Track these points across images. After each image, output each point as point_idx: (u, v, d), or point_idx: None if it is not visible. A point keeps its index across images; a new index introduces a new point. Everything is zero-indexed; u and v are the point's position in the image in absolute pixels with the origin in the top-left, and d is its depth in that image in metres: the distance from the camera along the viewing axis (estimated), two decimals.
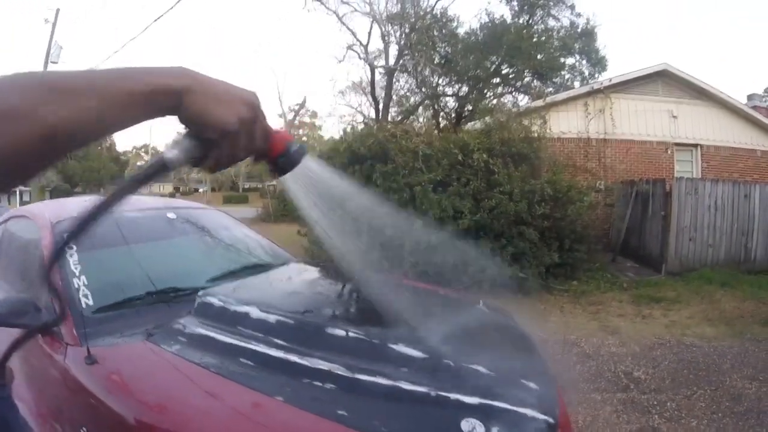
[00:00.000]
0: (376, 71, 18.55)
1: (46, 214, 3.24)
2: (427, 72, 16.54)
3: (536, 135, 9.86)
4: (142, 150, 64.45)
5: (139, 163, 60.93)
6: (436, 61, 16.46)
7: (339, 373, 1.96)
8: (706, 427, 3.87)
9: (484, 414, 1.84)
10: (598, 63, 18.05)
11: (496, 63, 16.20)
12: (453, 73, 16.17)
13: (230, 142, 0.79)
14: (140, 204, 3.74)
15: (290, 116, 28.20)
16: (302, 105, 28.76)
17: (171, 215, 3.62)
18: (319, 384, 1.91)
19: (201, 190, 59.29)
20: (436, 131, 11.67)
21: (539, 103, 11.87)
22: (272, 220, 23.28)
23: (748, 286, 8.38)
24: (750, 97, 17.89)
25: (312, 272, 3.56)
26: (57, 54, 22.92)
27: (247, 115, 0.79)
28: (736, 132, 13.86)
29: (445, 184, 8.79)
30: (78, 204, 3.32)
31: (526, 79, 16.33)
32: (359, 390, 1.91)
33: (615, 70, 13.51)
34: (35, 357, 2.41)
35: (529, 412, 1.90)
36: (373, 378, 1.95)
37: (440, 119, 16.30)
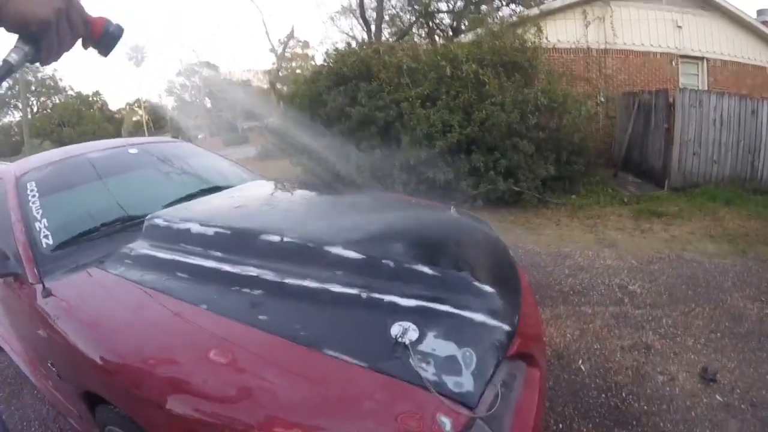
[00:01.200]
0: None
1: (11, 168, 3.41)
2: None
3: (531, 45, 9.19)
4: (135, 105, 62.89)
5: (134, 118, 60.67)
6: None
7: (267, 278, 1.97)
8: (703, 346, 3.59)
9: (421, 318, 1.76)
10: None
11: None
12: None
13: (55, 33, 0.93)
14: (103, 144, 3.91)
15: (280, 50, 27.38)
16: (290, 35, 27.94)
17: (133, 150, 3.74)
18: (247, 290, 1.93)
19: (200, 136, 58.06)
20: (424, 46, 11.05)
21: (534, 11, 11.10)
22: (272, 157, 22.36)
23: (753, 205, 7.96)
24: (760, 12, 16.93)
25: (269, 188, 3.54)
26: None
27: (60, 5, 0.91)
28: (745, 47, 13.14)
29: (434, 98, 8.33)
30: (45, 156, 3.66)
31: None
32: (284, 294, 1.90)
33: None
34: (12, 302, 2.68)
35: (478, 316, 1.82)
36: (301, 281, 1.92)
37: (435, 38, 15.58)
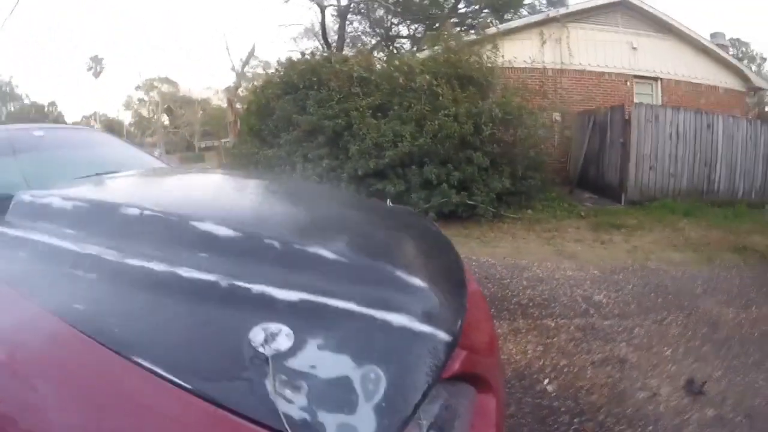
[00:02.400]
0: (328, 14, 17.64)
1: None
2: (381, 12, 15.79)
3: (487, 62, 9.04)
4: (92, 119, 61.88)
5: (82, 127, 59.64)
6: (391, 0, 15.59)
7: (106, 257, 1.50)
8: (683, 356, 3.23)
9: (304, 318, 1.18)
10: (558, 1, 17.26)
11: (453, 1, 15.44)
12: (408, 13, 15.35)
13: None
14: (11, 127, 3.82)
15: (240, 68, 27.31)
16: (251, 54, 27.76)
17: (38, 132, 3.48)
18: (80, 273, 1.47)
19: (156, 153, 57.54)
20: (379, 57, 10.84)
21: (492, 30, 11.00)
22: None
23: (712, 216, 7.94)
24: (714, 36, 17.38)
25: (168, 171, 3.27)
26: None
27: None
28: (698, 68, 13.40)
29: (385, 109, 8.08)
30: None
31: (483, 17, 15.58)
32: (120, 279, 1.42)
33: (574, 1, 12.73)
34: None
35: (397, 318, 1.22)
36: (145, 263, 1.43)
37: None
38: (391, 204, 2.57)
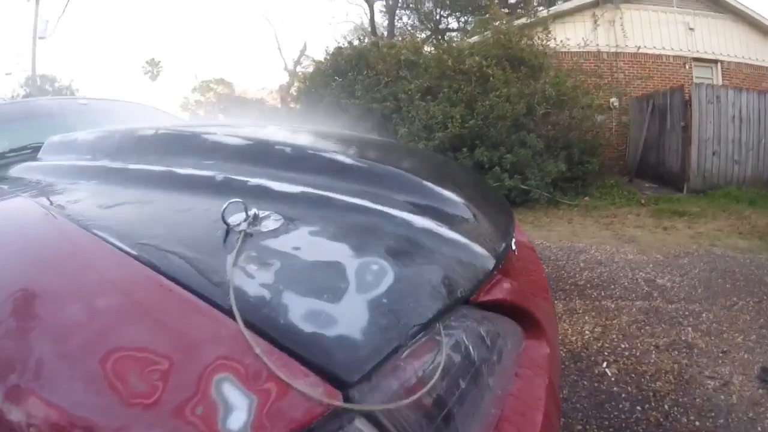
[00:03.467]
0: (376, 10, 17.73)
1: None
2: (430, 6, 15.59)
3: (539, 45, 8.70)
4: None
5: (130, 101, 63.51)
6: None
7: (112, 166, 1.51)
8: (755, 343, 2.92)
9: (302, 206, 1.02)
10: None
11: None
12: (458, 5, 15.16)
13: None
14: (61, 97, 3.97)
15: (293, 67, 27.91)
16: (303, 53, 28.34)
17: (82, 101, 3.68)
18: (83, 182, 1.48)
19: None
20: (423, 42, 10.74)
21: (543, 13, 10.69)
22: None
23: None
24: None
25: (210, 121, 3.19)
26: (44, 29, 22.53)
27: None
28: (760, 49, 12.55)
29: (434, 92, 7.89)
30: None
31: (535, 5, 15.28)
32: (117, 181, 1.38)
33: None
34: None
35: (420, 220, 1.02)
36: (148, 166, 1.37)
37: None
38: None
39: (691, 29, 12.00)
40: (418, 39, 16.85)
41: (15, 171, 2.17)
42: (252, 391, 0.58)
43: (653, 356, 2.84)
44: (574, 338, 3.10)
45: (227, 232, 0.87)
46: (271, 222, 0.92)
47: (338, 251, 0.87)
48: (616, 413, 2.30)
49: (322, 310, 0.71)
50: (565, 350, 2.93)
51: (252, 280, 0.74)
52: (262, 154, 1.32)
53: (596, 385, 2.54)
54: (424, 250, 0.96)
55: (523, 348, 1.10)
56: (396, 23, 17.19)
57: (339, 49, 9.51)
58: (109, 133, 2.00)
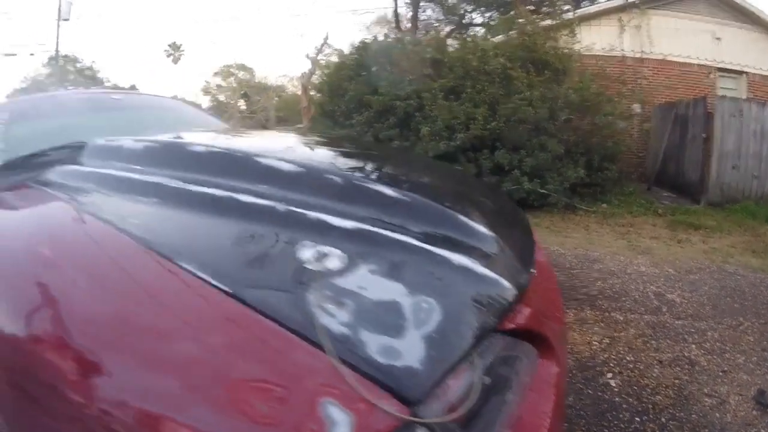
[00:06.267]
0: (401, 1, 17.73)
1: None
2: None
3: (564, 48, 8.74)
4: None
5: (160, 95, 63.77)
6: None
7: (169, 184, 1.55)
8: (756, 365, 3.00)
9: (359, 244, 1.15)
10: None
11: None
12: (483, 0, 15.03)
13: None
14: (92, 90, 4.01)
15: (315, 56, 27.98)
16: (325, 42, 28.40)
17: (116, 96, 3.70)
18: (141, 198, 1.53)
19: None
20: (448, 40, 10.71)
21: (569, 15, 10.61)
22: None
23: None
24: None
25: (243, 129, 3.27)
26: (68, 11, 23.30)
27: None
28: None
29: (458, 92, 7.89)
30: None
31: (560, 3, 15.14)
32: (181, 201, 1.46)
33: None
34: None
35: (457, 257, 1.16)
36: (205, 189, 1.46)
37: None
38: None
39: (717, 39, 11.86)
40: (443, 33, 16.82)
41: (59, 175, 2.15)
42: (348, 410, 0.76)
43: (656, 370, 2.93)
44: (582, 348, 3.20)
45: (303, 270, 1.04)
46: (337, 260, 1.07)
47: (394, 290, 1.02)
48: (615, 422, 2.43)
49: (390, 343, 0.89)
50: (573, 359, 3.03)
51: (333, 319, 0.91)
52: (313, 182, 1.45)
53: (600, 394, 2.67)
54: (462, 285, 1.12)
55: (536, 367, 1.27)
56: (420, 15, 17.08)
57: (364, 43, 9.54)
58: (158, 143, 2.04)
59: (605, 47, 10.92)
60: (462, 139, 7.22)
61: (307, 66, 29.31)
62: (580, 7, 13.12)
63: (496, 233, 1.34)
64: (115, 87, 55.78)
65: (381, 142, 8.02)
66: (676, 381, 2.82)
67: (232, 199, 1.37)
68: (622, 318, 3.68)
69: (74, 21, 24.37)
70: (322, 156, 1.88)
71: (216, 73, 54.59)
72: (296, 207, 1.29)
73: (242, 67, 51.38)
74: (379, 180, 1.52)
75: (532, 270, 1.43)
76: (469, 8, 15.66)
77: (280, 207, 1.30)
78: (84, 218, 1.47)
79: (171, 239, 1.23)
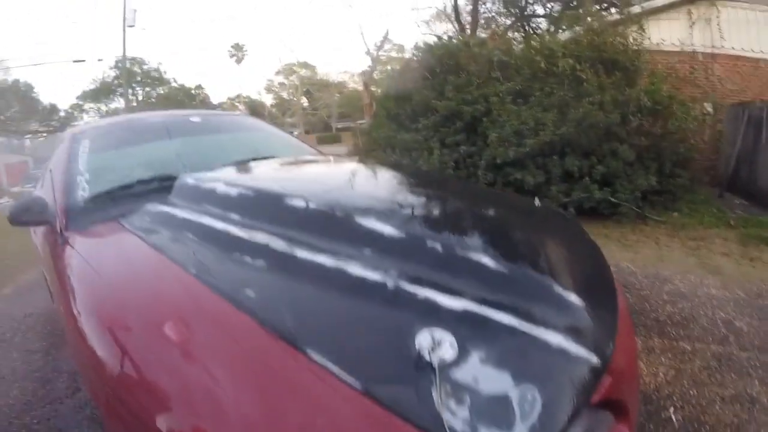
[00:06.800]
0: None
1: (74, 129, 3.61)
2: None
3: (632, 45, 8.33)
4: (236, 100, 68.09)
5: (235, 113, 66.67)
6: None
7: (274, 247, 1.63)
8: None
9: (467, 328, 1.25)
10: None
11: None
12: None
13: None
14: (169, 113, 4.07)
15: (375, 52, 28.40)
16: (385, 38, 28.88)
17: (195, 119, 3.75)
18: (248, 259, 1.61)
19: (295, 132, 61.64)
20: (514, 39, 10.48)
21: (636, 9, 10.21)
22: (362, 156, 22.72)
23: None
24: None
25: (322, 158, 3.37)
26: (132, 18, 24.82)
27: None
28: None
29: (526, 95, 7.72)
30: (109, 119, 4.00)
31: None
32: (289, 269, 1.53)
33: None
34: (48, 249, 2.68)
35: (555, 338, 1.28)
36: (314, 256, 1.53)
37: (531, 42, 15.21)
38: (539, 203, 2.51)
39: None
40: (503, 26, 16.47)
41: (153, 218, 2.20)
42: None
43: (717, 407, 2.89)
44: (648, 380, 3.17)
45: (423, 362, 1.13)
46: (449, 348, 1.16)
47: (503, 381, 1.13)
48: None
49: (509, 429, 1.03)
50: (639, 391, 2.98)
51: (455, 417, 1.03)
52: (417, 250, 1.53)
53: (661, 429, 2.68)
54: (559, 368, 1.23)
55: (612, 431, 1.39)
56: (480, 8, 16.81)
57: (429, 46, 9.42)
58: (253, 192, 2.07)
59: (675, 43, 10.47)
60: (531, 145, 7.07)
61: (367, 62, 29.69)
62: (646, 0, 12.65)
63: (585, 301, 1.43)
64: (182, 87, 58.29)
65: (447, 147, 7.97)
66: (735, 419, 2.77)
67: (342, 273, 1.43)
68: (689, 348, 3.61)
69: (140, 26, 26.40)
70: (416, 212, 1.88)
71: (278, 72, 56.23)
72: (404, 282, 1.38)
73: (304, 65, 52.72)
74: (478, 246, 1.57)
75: (616, 329, 1.51)
76: (532, 0, 15.27)
77: (390, 284, 1.37)
78: (198, 290, 1.48)
79: (291, 322, 1.27)
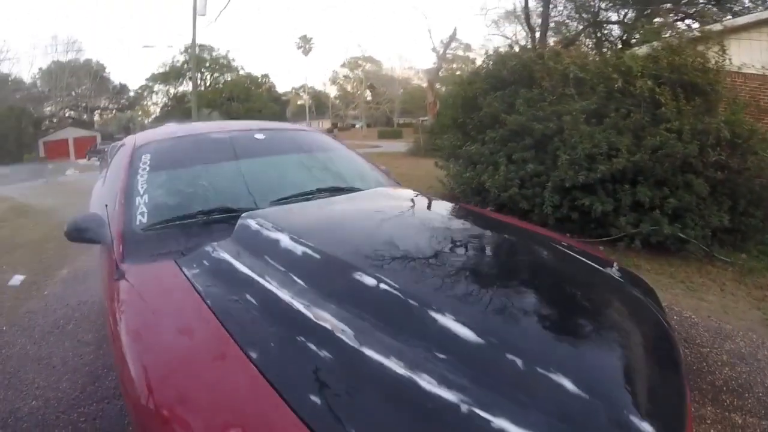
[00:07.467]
0: None
1: (136, 137, 3.57)
2: None
3: (713, 65, 7.83)
4: (301, 90, 68.95)
5: (299, 102, 67.56)
6: None
7: (343, 338, 1.50)
8: None
9: None
10: None
11: None
12: None
13: None
14: (231, 126, 3.96)
15: (441, 50, 28.49)
16: (452, 37, 29.02)
17: (259, 136, 3.57)
18: (313, 347, 1.49)
19: (357, 125, 63.22)
20: (592, 54, 10.12)
21: (716, 26, 9.71)
22: (422, 154, 21.98)
23: None
24: None
25: (396, 203, 3.11)
26: (203, 7, 25.31)
27: None
28: None
29: (600, 115, 7.40)
30: (169, 130, 3.79)
31: (702, 5, 14.04)
32: (356, 370, 1.40)
33: None
34: (103, 264, 2.70)
35: None
36: (385, 359, 1.41)
37: (604, 49, 14.58)
38: (617, 270, 2.38)
39: None
40: (577, 36, 16.01)
41: (209, 262, 2.11)
42: None
43: None
44: None
45: None
46: None
47: None
48: None
49: None
50: None
51: None
52: (493, 364, 1.42)
53: None
54: None
55: None
56: (550, 12, 16.41)
57: (500, 56, 9.17)
58: (321, 255, 1.96)
59: (756, 65, 9.73)
60: (603, 171, 6.80)
61: (432, 60, 29.75)
62: (726, 12, 12.13)
63: (659, 425, 1.34)
64: (249, 75, 59.52)
65: (514, 163, 7.76)
66: None
67: (414, 385, 1.33)
68: (740, 421, 3.38)
69: (211, 15, 27.50)
70: (499, 312, 1.75)
71: (343, 64, 57.96)
72: (478, 407, 1.26)
73: (369, 59, 54.01)
74: (560, 361, 1.46)
75: None
76: (604, 4, 14.77)
77: (464, 408, 1.26)
78: (262, 390, 1.36)
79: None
